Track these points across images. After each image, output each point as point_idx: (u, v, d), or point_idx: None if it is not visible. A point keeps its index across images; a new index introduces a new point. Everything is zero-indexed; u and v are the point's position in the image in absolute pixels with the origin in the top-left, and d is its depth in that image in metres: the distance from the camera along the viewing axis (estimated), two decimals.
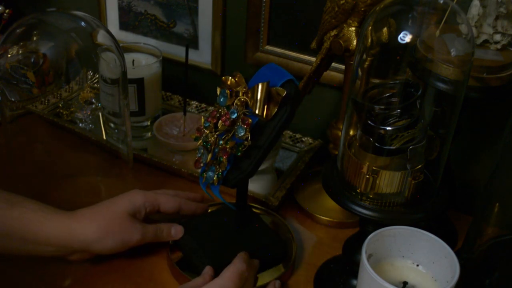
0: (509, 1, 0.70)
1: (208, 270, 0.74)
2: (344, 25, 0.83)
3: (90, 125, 0.99)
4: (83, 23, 0.83)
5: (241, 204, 0.79)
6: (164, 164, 0.97)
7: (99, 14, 1.16)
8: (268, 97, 0.69)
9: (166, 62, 1.07)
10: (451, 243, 0.64)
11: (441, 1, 0.67)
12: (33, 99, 1.01)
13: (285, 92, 0.68)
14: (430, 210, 0.69)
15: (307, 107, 0.99)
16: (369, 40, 0.70)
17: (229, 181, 0.71)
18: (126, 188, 0.80)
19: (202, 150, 0.72)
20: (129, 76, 0.89)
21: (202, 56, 1.10)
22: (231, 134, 0.69)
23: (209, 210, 0.87)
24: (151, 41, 1.12)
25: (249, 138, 0.68)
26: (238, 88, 0.70)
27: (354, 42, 0.82)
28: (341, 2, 0.80)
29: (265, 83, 0.68)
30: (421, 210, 0.69)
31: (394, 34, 0.67)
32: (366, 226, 0.72)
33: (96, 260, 0.79)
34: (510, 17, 0.72)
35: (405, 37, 0.66)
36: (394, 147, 0.66)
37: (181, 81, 1.02)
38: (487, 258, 0.74)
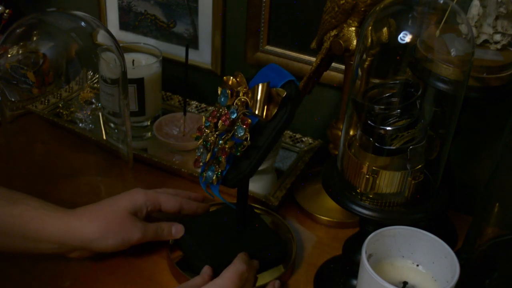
0: (509, 1, 0.70)
1: (206, 269, 0.74)
2: (344, 25, 0.83)
3: (90, 125, 0.99)
4: (83, 23, 0.83)
5: (242, 204, 0.79)
6: (164, 164, 0.97)
7: (99, 14, 1.16)
8: (268, 98, 0.69)
9: (166, 62, 1.07)
10: (451, 243, 0.64)
11: (441, 1, 0.67)
12: (33, 99, 1.01)
13: (285, 93, 0.68)
14: (430, 210, 0.69)
15: (307, 107, 0.99)
16: (369, 40, 0.70)
17: (228, 181, 0.71)
18: (126, 188, 0.80)
19: (201, 150, 0.72)
20: (129, 76, 0.89)
21: (202, 56, 1.10)
22: (231, 134, 0.69)
23: (210, 210, 0.87)
24: (151, 41, 1.12)
25: (248, 138, 0.68)
26: (239, 88, 0.70)
27: (354, 42, 0.82)
28: (341, 2, 0.80)
29: (265, 84, 0.68)
30: (421, 210, 0.69)
31: (394, 34, 0.67)
32: (366, 226, 0.72)
33: (96, 259, 0.79)
34: (510, 17, 0.72)
35: (405, 37, 0.66)
36: (394, 147, 0.66)
37: (181, 81, 1.02)
38: (487, 258, 0.74)
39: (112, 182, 0.93)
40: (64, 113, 1.04)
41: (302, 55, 1.00)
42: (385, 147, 0.66)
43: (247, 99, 0.69)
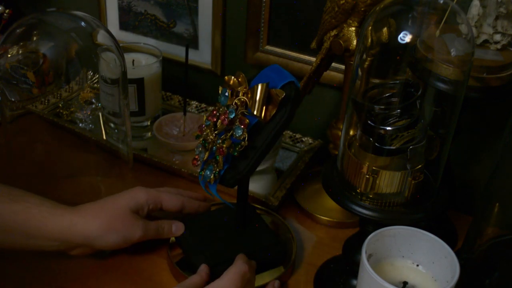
0: (509, 1, 0.70)
1: (204, 268, 0.74)
2: (344, 25, 0.83)
3: (90, 125, 0.99)
4: (83, 23, 0.83)
5: (242, 204, 0.79)
6: (164, 164, 0.97)
7: (99, 14, 1.16)
8: (268, 98, 0.69)
9: (166, 62, 1.07)
10: (451, 243, 0.64)
11: (441, 1, 0.67)
12: (33, 99, 1.01)
13: (284, 94, 0.68)
14: (430, 210, 0.69)
15: (307, 107, 0.99)
16: (369, 40, 0.70)
17: (226, 180, 0.71)
18: (126, 188, 0.80)
19: (200, 148, 0.72)
20: (129, 76, 0.89)
21: (202, 56, 1.10)
22: (230, 133, 0.69)
23: (211, 209, 0.87)
24: (151, 41, 1.12)
25: (246, 138, 0.68)
26: (239, 88, 0.70)
27: (354, 42, 0.82)
28: (341, 2, 0.80)
29: (264, 84, 0.68)
30: (421, 210, 0.69)
31: (394, 34, 0.67)
32: (366, 226, 0.72)
33: (96, 259, 0.79)
34: (510, 17, 0.72)
35: (405, 37, 0.66)
36: (394, 147, 0.66)
37: (181, 81, 1.02)
38: (487, 258, 0.74)
39: (112, 182, 0.93)
40: (64, 113, 1.04)
41: (302, 55, 1.00)
42: (385, 147, 0.66)
43: (246, 99, 0.69)
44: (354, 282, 0.75)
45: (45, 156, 0.94)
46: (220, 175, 0.71)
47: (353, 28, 0.82)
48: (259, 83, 0.68)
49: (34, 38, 0.84)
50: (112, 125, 0.96)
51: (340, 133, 0.89)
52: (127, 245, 0.77)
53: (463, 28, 0.67)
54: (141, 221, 0.77)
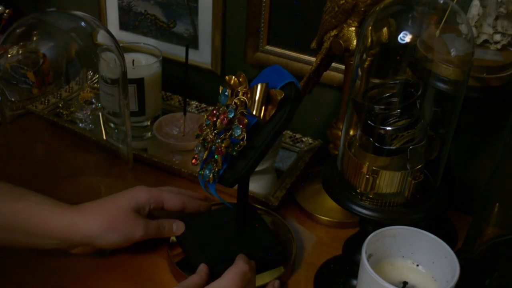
0: (509, 1, 0.70)
1: (203, 267, 0.74)
2: (344, 25, 0.83)
3: (90, 125, 0.99)
4: (83, 23, 0.83)
5: (242, 204, 0.79)
6: (164, 164, 0.97)
7: (99, 14, 1.16)
8: (267, 98, 0.69)
9: (166, 62, 1.07)
10: (451, 243, 0.64)
11: (441, 1, 0.67)
12: (33, 99, 1.01)
13: (283, 94, 0.68)
14: (430, 210, 0.69)
15: (307, 107, 0.99)
16: (369, 40, 0.70)
17: (225, 180, 0.71)
18: (126, 188, 0.80)
19: (199, 147, 0.72)
20: (129, 76, 0.89)
21: (202, 56, 1.10)
22: (229, 133, 0.69)
23: (212, 209, 0.87)
24: (151, 41, 1.12)
25: (245, 138, 0.68)
26: (239, 88, 0.70)
27: (354, 42, 0.82)
28: (341, 2, 0.80)
29: (264, 84, 0.68)
30: (421, 210, 0.69)
31: (394, 34, 0.67)
32: (366, 226, 0.72)
33: (96, 259, 0.79)
34: (510, 17, 0.72)
35: (405, 37, 0.66)
36: (394, 147, 0.66)
37: (181, 81, 1.02)
38: (487, 258, 0.74)
39: (112, 182, 0.93)
40: (64, 113, 1.04)
41: (302, 55, 1.00)
42: (385, 147, 0.66)
43: (246, 99, 0.69)
44: (354, 282, 0.75)
45: (45, 156, 0.94)
46: (219, 175, 0.71)
47: (353, 28, 0.82)
48: (259, 83, 0.68)
49: (34, 38, 0.84)
50: (112, 125, 0.96)
51: (340, 133, 0.89)
52: (128, 244, 0.77)
53: (463, 28, 0.67)
54: (142, 220, 0.77)
